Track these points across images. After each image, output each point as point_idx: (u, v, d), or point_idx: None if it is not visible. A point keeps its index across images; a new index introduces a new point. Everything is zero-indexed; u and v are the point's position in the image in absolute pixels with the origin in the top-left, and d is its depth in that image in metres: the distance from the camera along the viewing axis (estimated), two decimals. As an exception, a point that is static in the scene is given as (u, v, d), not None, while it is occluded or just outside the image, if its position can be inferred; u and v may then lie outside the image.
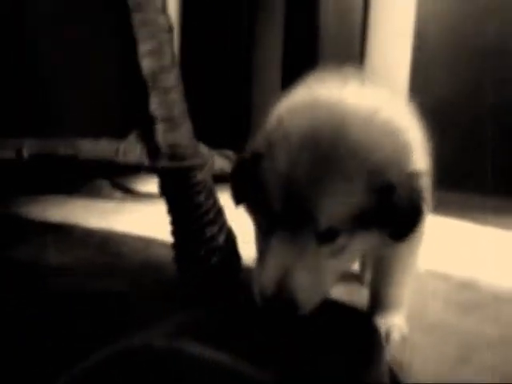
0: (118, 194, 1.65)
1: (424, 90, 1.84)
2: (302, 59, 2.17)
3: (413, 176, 0.58)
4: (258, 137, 0.62)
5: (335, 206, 0.54)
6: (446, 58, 1.92)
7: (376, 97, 0.63)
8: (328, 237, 0.56)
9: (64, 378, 0.50)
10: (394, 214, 0.56)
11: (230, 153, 1.58)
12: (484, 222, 1.48)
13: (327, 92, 0.61)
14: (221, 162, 1.49)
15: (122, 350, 0.54)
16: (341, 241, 0.56)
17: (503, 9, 1.83)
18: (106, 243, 1.16)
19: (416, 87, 1.61)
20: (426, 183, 0.63)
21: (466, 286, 1.01)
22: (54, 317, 0.78)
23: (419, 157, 0.63)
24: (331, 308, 0.64)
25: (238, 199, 0.64)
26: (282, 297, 0.54)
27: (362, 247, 0.60)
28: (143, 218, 1.40)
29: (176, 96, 0.73)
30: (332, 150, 0.54)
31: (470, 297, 0.96)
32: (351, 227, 0.56)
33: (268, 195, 0.57)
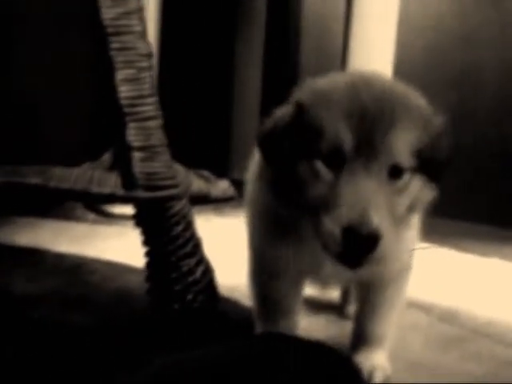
0: (91, 216, 1.60)
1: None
2: (282, 80, 2.19)
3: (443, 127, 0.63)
4: (290, 99, 0.63)
5: (403, 141, 0.58)
6: (428, 65, 1.95)
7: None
8: (396, 172, 0.58)
9: None
10: (437, 157, 0.61)
11: (207, 173, 1.55)
12: (465, 249, 1.48)
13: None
14: (198, 183, 1.46)
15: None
16: (405, 177, 0.59)
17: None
18: (77, 271, 1.12)
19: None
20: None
21: (447, 319, 1.00)
22: (19, 351, 0.74)
23: None
24: (312, 350, 0.63)
25: (274, 159, 0.64)
26: (365, 229, 0.54)
27: (414, 193, 0.61)
28: (117, 243, 1.35)
29: (154, 124, 0.71)
30: (395, 91, 0.60)
31: (450, 331, 0.95)
32: (411, 166, 0.59)
33: (329, 138, 0.58)
